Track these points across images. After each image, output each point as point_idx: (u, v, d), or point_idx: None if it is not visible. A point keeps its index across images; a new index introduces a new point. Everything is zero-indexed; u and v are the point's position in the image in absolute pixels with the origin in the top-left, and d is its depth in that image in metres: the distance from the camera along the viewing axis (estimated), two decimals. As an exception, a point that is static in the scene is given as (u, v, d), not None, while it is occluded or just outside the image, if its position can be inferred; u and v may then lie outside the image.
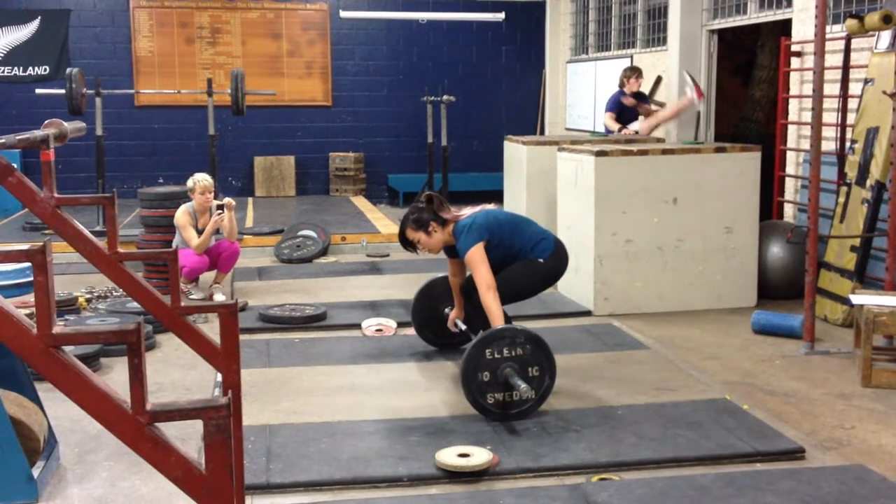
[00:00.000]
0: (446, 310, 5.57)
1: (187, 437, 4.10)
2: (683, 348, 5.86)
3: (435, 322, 5.68)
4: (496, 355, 4.42)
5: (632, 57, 11.02)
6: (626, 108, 9.52)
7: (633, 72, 9.60)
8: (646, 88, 10.46)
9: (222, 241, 7.17)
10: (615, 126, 9.34)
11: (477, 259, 4.78)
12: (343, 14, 12.83)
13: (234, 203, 7.15)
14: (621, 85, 9.63)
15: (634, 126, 9.43)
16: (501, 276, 4.85)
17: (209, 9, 12.98)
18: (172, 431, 2.47)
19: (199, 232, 7.01)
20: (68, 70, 9.41)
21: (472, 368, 4.41)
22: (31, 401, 3.85)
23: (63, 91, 9.31)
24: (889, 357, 5.32)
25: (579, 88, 12.70)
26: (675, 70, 9.70)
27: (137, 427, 2.26)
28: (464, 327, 5.32)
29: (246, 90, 9.77)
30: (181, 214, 7.04)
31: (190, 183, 7.10)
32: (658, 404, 4.68)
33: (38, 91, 10.69)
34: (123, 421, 2.27)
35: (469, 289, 5.19)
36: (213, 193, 7.12)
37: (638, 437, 4.22)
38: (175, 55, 12.85)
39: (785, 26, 8.27)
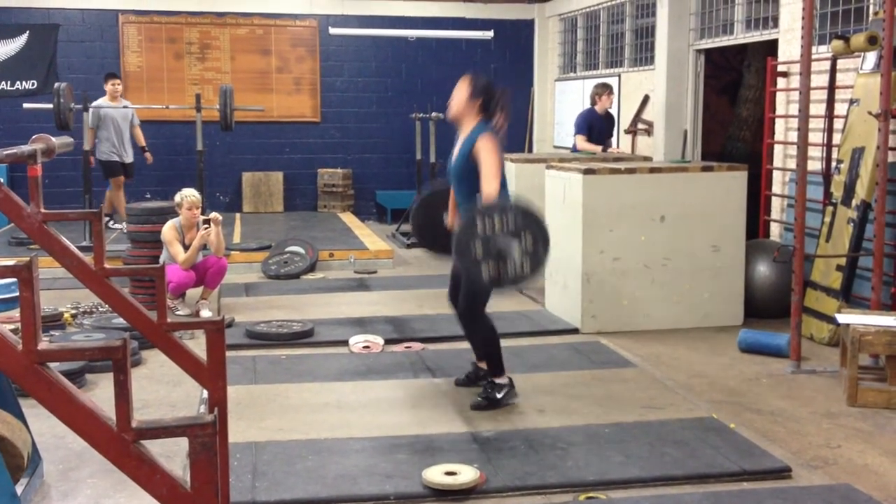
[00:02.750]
0: (445, 217, 5.53)
1: (172, 455, 4.07)
2: (670, 366, 5.86)
3: (435, 227, 5.63)
4: (488, 227, 4.41)
5: (619, 76, 11.08)
6: (594, 128, 9.42)
7: (605, 88, 9.48)
8: (633, 107, 10.53)
9: (209, 256, 7.16)
10: (592, 147, 9.26)
11: (490, 146, 4.78)
12: (332, 31, 12.87)
13: (220, 218, 7.13)
14: (593, 103, 9.53)
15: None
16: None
17: (198, 24, 12.99)
18: (157, 449, 2.46)
19: (187, 247, 6.99)
20: (56, 85, 9.38)
21: (465, 241, 4.41)
22: (15, 417, 3.82)
23: (51, 106, 9.28)
24: (875, 376, 5.33)
25: (567, 107, 12.76)
26: (663, 89, 9.75)
27: (122, 444, 2.25)
28: None
29: (235, 106, 9.78)
30: (168, 230, 7.02)
31: (177, 198, 7.09)
32: (645, 423, 4.68)
33: (25, 106, 10.66)
34: (108, 438, 2.25)
35: (454, 297, 5.17)
36: (200, 209, 7.11)
37: (625, 455, 4.22)
38: (164, 70, 12.84)
39: (771, 46, 8.34)
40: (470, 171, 4.87)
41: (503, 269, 4.41)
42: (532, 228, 4.47)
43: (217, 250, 7.10)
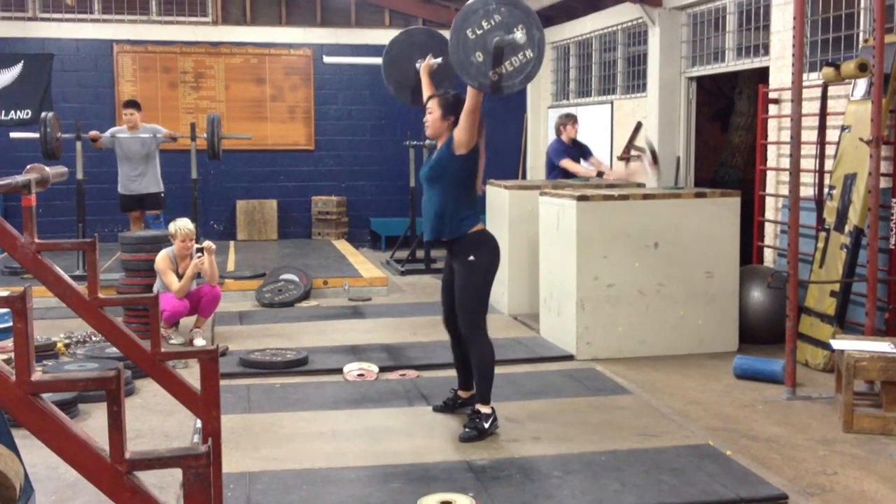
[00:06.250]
0: (417, 63, 5.55)
1: (166, 486, 4.04)
2: (666, 393, 5.85)
3: (412, 80, 5.64)
4: (478, 31, 4.41)
5: (612, 103, 11.14)
6: (569, 155, 9.36)
7: (570, 118, 9.41)
8: (626, 134, 10.57)
9: (203, 285, 7.14)
10: (584, 169, 9.21)
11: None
12: (326, 59, 12.93)
13: (213, 246, 7.12)
14: (558, 133, 9.49)
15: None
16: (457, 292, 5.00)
17: (193, 54, 13.05)
18: (151, 479, 2.44)
19: (181, 276, 6.98)
20: (43, 114, 9.34)
21: (462, 55, 4.40)
22: (7, 447, 3.79)
23: (38, 135, 9.25)
24: (870, 402, 5.33)
25: (560, 134, 12.77)
26: (656, 116, 9.80)
27: (116, 476, 2.23)
28: (440, 60, 5.34)
29: (223, 134, 9.73)
30: (161, 259, 7.01)
31: (171, 228, 7.08)
32: (641, 450, 4.67)
33: (12, 135, 10.62)
34: (102, 469, 2.24)
35: (450, 322, 5.21)
36: (194, 241, 7.11)
37: (621, 483, 4.20)
38: (158, 99, 12.88)
39: (762, 73, 8.40)
40: (446, 169, 4.96)
41: (510, 66, 4.40)
42: (521, 17, 4.46)
43: (211, 279, 7.09)
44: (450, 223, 4.99)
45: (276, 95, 13.34)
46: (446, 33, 4.78)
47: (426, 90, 5.43)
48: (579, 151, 9.52)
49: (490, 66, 4.45)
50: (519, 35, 4.35)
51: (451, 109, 4.99)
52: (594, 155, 9.68)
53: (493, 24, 4.42)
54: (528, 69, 4.50)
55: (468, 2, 4.56)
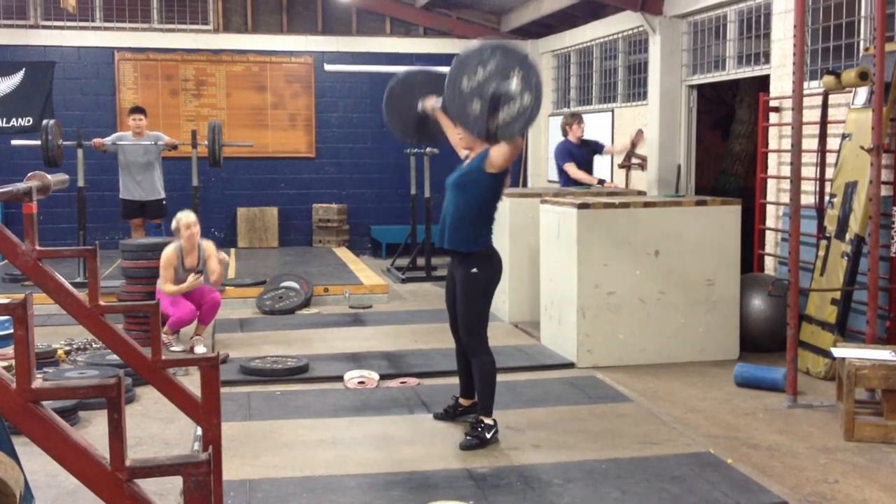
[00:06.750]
0: (419, 106, 5.54)
1: (166, 493, 4.04)
2: (667, 401, 5.84)
3: (415, 120, 5.62)
4: (474, 81, 4.35)
5: (613, 111, 11.15)
6: (575, 156, 9.34)
7: (574, 118, 9.42)
8: (626, 142, 10.56)
9: (204, 286, 7.17)
10: (587, 177, 9.21)
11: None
12: (327, 67, 12.96)
13: (227, 259, 7.20)
14: (564, 133, 9.50)
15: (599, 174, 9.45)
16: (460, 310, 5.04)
17: (194, 61, 13.07)
18: (151, 487, 2.43)
19: (185, 270, 7.04)
20: (44, 122, 9.36)
21: (460, 106, 4.35)
22: (8, 455, 3.78)
23: (39, 142, 9.26)
24: (871, 410, 5.32)
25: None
26: (656, 124, 9.81)
27: (116, 484, 2.23)
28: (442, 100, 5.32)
29: (224, 142, 9.75)
30: (168, 253, 7.05)
31: (174, 224, 7.15)
32: (642, 458, 4.66)
33: (13, 143, 10.63)
34: (102, 477, 2.24)
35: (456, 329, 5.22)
36: (198, 227, 7.15)
37: (622, 491, 4.20)
38: (159, 107, 12.90)
39: (763, 82, 8.40)
40: (475, 182, 4.96)
41: (508, 113, 4.35)
42: (516, 63, 4.41)
43: (215, 282, 7.15)
44: (465, 236, 5.01)
45: (277, 103, 13.36)
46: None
47: (446, 127, 5.45)
48: (590, 149, 9.51)
49: (488, 115, 4.43)
50: (514, 85, 4.30)
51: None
52: (606, 145, 9.70)
53: (488, 72, 4.38)
54: (526, 115, 4.47)
55: (462, 51, 4.55)
